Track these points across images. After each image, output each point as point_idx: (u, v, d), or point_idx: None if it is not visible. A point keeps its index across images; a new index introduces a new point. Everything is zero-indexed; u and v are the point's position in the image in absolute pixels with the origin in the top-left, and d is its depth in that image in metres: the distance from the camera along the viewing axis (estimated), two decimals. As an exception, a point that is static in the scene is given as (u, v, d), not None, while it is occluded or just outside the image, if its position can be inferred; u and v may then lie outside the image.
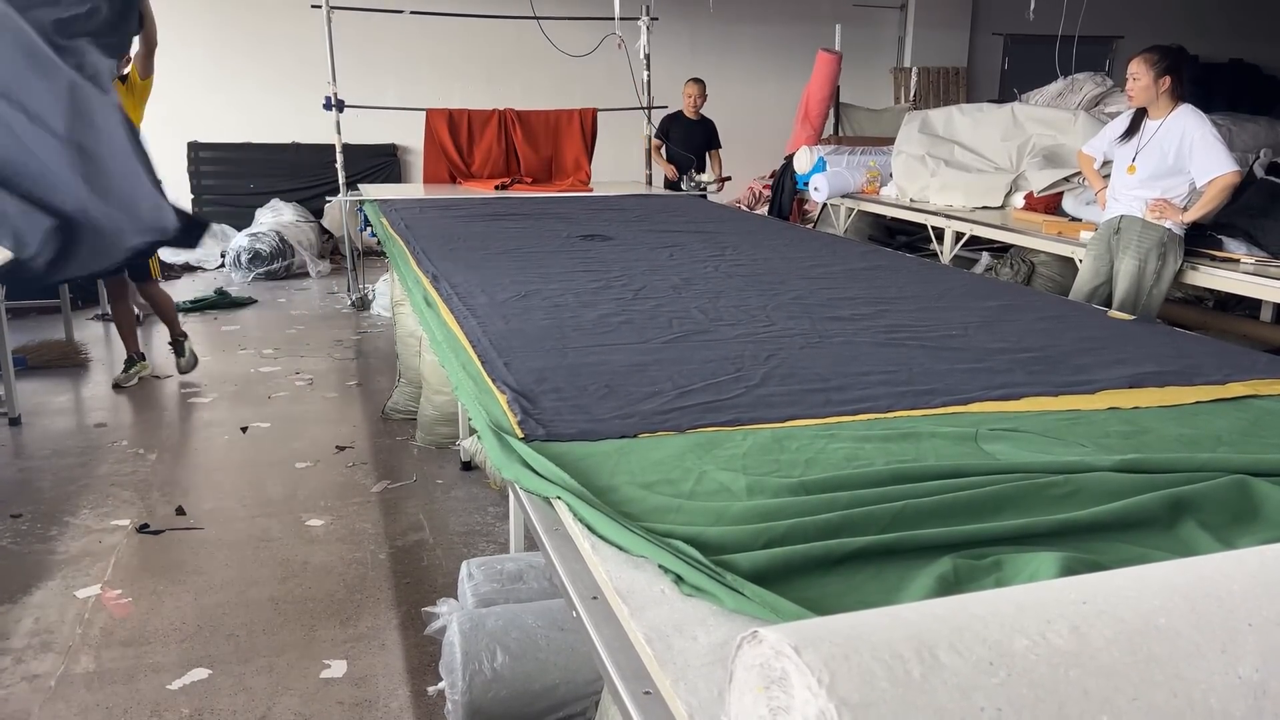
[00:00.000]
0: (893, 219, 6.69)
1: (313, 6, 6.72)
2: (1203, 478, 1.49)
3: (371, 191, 6.36)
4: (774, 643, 0.75)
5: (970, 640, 0.74)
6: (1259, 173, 4.58)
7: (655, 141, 7.14)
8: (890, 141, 6.96)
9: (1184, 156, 3.86)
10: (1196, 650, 0.76)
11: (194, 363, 5.22)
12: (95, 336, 6.16)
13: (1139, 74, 3.91)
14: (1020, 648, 0.74)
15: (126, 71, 4.65)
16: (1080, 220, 4.99)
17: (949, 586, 1.19)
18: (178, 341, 5.19)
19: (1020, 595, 0.83)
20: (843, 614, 0.82)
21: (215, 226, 9.08)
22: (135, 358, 5.10)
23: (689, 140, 7.01)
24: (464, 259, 3.57)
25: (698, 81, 7.02)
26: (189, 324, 6.48)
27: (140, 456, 4.11)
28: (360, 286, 7.17)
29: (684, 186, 6.73)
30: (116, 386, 5.00)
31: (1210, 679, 0.74)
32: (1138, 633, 0.76)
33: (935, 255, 5.79)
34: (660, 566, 1.23)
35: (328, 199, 8.51)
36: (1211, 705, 0.73)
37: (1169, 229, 3.94)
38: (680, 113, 7.05)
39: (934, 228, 5.86)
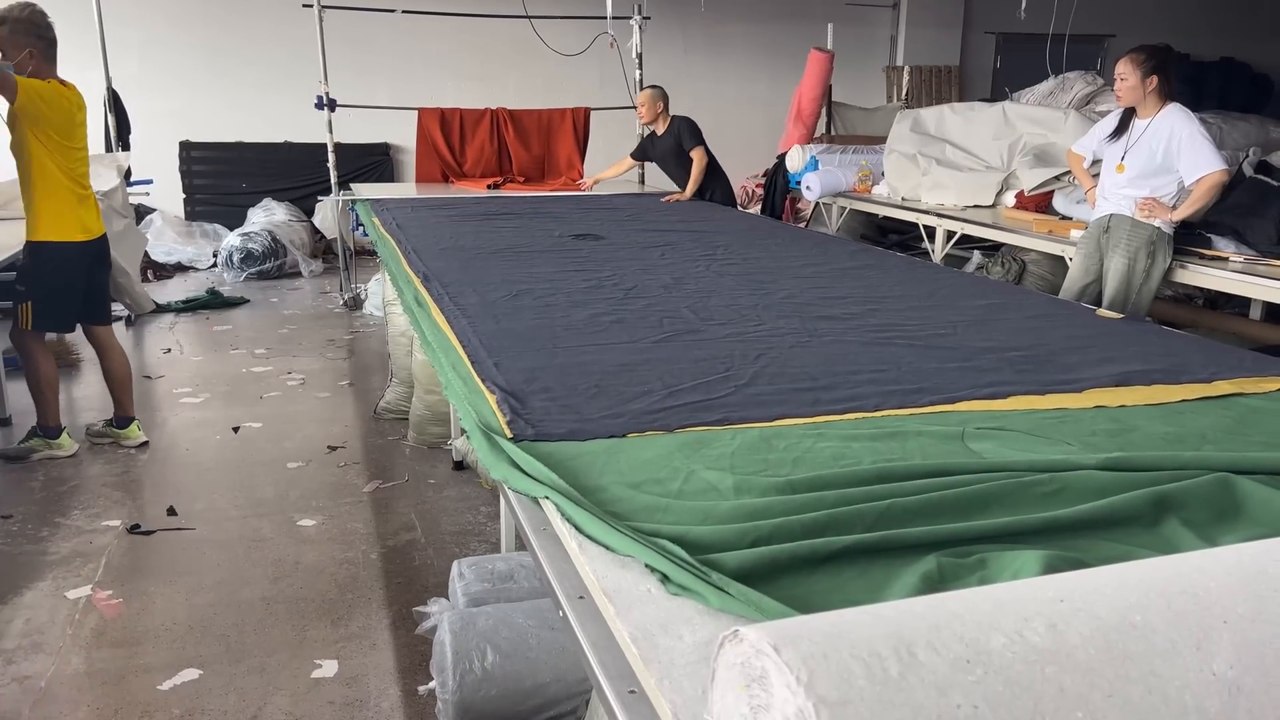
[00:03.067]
0: (885, 218, 6.70)
1: (304, 5, 6.70)
2: (1187, 476, 1.50)
3: (364, 191, 6.36)
4: (754, 641, 0.76)
5: (948, 638, 0.75)
6: (1248, 171, 4.60)
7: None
8: (882, 140, 6.97)
9: (1172, 155, 3.87)
10: (1171, 647, 0.77)
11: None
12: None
13: (1126, 74, 3.93)
14: (997, 645, 0.75)
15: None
16: (1071, 219, 5.01)
17: (934, 584, 1.20)
18: (34, 430, 4.09)
19: (998, 593, 0.84)
20: (823, 613, 0.83)
21: (207, 226, 9.09)
22: (37, 430, 4.09)
23: (659, 154, 6.21)
24: (455, 259, 3.57)
25: (645, 91, 6.13)
26: (182, 324, 6.48)
27: (131, 456, 4.10)
28: (352, 286, 7.17)
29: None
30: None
31: (1185, 675, 0.75)
32: (1113, 630, 0.77)
33: (927, 254, 5.81)
34: (647, 566, 1.23)
35: (319, 198, 8.50)
36: (1186, 701, 0.74)
37: (1158, 227, 3.96)
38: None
39: (925, 226, 5.87)
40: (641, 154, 6.46)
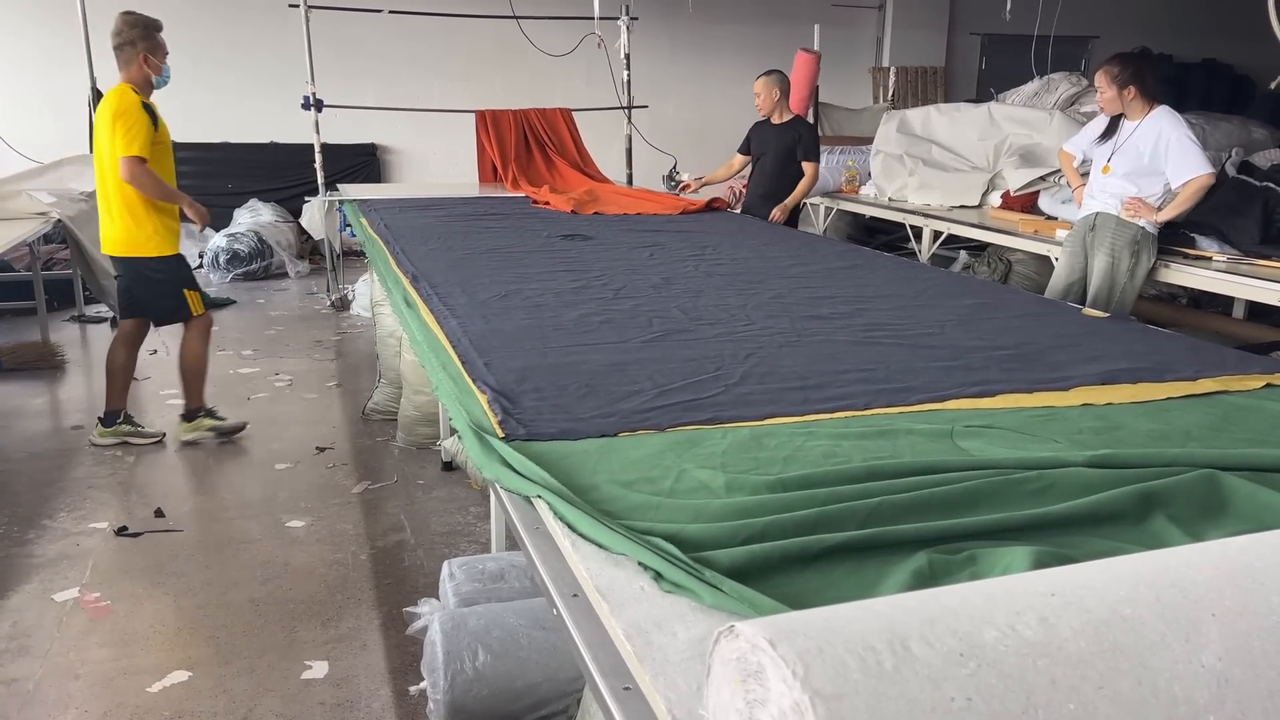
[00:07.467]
0: (871, 218, 6.73)
1: (290, 5, 6.68)
2: (1172, 473, 1.51)
3: (351, 191, 6.34)
4: (750, 637, 0.76)
5: (941, 632, 0.76)
6: (1231, 171, 4.64)
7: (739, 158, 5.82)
8: (869, 141, 7.00)
9: (1159, 157, 3.91)
10: (1161, 640, 0.78)
11: (239, 429, 4.33)
12: (71, 338, 6.11)
13: (1103, 87, 4.02)
14: (990, 639, 0.75)
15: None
16: (1056, 219, 5.04)
17: (924, 581, 1.21)
18: (200, 410, 4.32)
19: (990, 587, 0.85)
20: (817, 608, 0.83)
21: (193, 226, 9.02)
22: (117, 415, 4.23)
23: (765, 149, 5.57)
24: (444, 259, 3.57)
25: (762, 76, 5.54)
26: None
27: (118, 458, 4.08)
28: (340, 287, 7.15)
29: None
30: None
31: (1174, 667, 0.76)
32: (1104, 623, 0.78)
33: (913, 254, 5.83)
34: (640, 564, 1.24)
35: (306, 199, 8.46)
36: (1175, 693, 0.75)
37: (1142, 227, 3.99)
38: (767, 119, 5.59)
39: (912, 227, 5.90)
40: (747, 148, 5.69)
